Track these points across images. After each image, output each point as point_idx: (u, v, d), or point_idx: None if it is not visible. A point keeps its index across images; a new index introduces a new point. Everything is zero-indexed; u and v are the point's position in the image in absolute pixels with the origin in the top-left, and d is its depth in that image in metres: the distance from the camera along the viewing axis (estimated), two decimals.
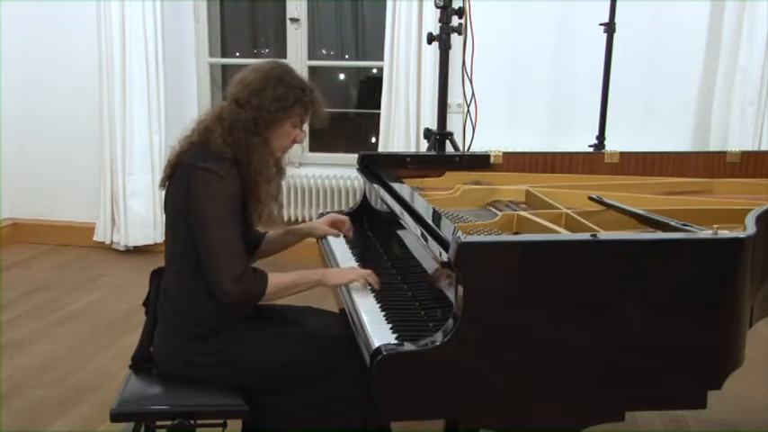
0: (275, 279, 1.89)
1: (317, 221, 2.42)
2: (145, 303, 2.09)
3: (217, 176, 1.83)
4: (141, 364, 2.01)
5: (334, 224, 2.38)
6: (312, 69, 4.95)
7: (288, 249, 2.33)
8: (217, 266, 1.82)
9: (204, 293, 1.87)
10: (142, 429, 1.96)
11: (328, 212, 2.69)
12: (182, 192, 1.87)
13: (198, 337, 1.91)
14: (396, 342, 1.60)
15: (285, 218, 4.79)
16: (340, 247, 2.39)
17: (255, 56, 5.54)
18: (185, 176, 1.87)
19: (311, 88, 1.97)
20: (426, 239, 1.71)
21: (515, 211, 2.15)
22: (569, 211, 2.05)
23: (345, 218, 2.40)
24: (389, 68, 4.42)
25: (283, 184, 2.08)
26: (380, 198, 2.26)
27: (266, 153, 1.93)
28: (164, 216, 2.01)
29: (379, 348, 1.51)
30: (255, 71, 1.95)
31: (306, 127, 2.04)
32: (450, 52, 3.56)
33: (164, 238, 2.02)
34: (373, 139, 4.85)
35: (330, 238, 2.50)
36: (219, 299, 1.84)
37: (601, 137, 3.82)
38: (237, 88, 1.93)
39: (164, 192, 1.99)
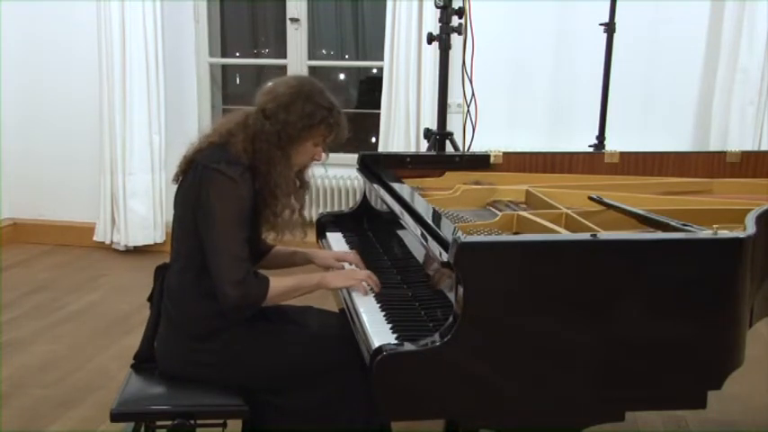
0: (276, 284, 1.88)
1: (325, 252, 2.32)
2: (149, 299, 2.09)
3: (229, 179, 1.83)
4: (143, 362, 2.01)
5: (341, 261, 2.23)
6: (312, 69, 4.95)
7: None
8: (219, 270, 1.82)
9: (206, 294, 1.87)
10: (142, 429, 1.95)
11: (328, 212, 2.70)
12: (193, 190, 1.88)
13: (198, 337, 1.91)
14: (396, 342, 1.60)
15: None
16: (340, 248, 2.39)
17: (255, 56, 5.54)
18: (198, 175, 1.87)
19: (339, 110, 1.96)
20: (426, 239, 1.71)
21: (515, 211, 2.15)
22: (569, 211, 2.05)
23: (353, 258, 2.20)
24: (389, 68, 4.42)
25: (306, 198, 2.09)
26: (380, 198, 2.26)
27: (286, 168, 1.93)
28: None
29: (379, 348, 1.51)
30: (286, 84, 1.94)
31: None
32: (451, 52, 3.56)
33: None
34: (373, 139, 4.85)
35: (330, 237, 2.51)
36: (221, 303, 1.84)
37: (601, 137, 3.82)
38: (266, 99, 1.93)
39: (175, 187, 1.99)
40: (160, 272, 2.06)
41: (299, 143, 1.93)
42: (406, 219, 1.91)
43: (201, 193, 1.84)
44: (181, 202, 1.95)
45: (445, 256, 1.54)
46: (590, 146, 3.80)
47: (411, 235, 1.88)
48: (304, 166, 2.04)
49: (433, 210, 1.90)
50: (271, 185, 1.90)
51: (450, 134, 3.70)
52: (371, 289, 1.94)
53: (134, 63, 4.56)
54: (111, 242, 4.81)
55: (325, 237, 2.54)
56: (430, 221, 1.77)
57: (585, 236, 1.72)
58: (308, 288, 1.97)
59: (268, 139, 1.89)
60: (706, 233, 1.66)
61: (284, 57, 4.87)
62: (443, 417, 1.84)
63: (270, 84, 1.97)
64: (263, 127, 1.89)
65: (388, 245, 2.29)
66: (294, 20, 4.79)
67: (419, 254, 1.90)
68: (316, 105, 1.91)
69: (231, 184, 1.83)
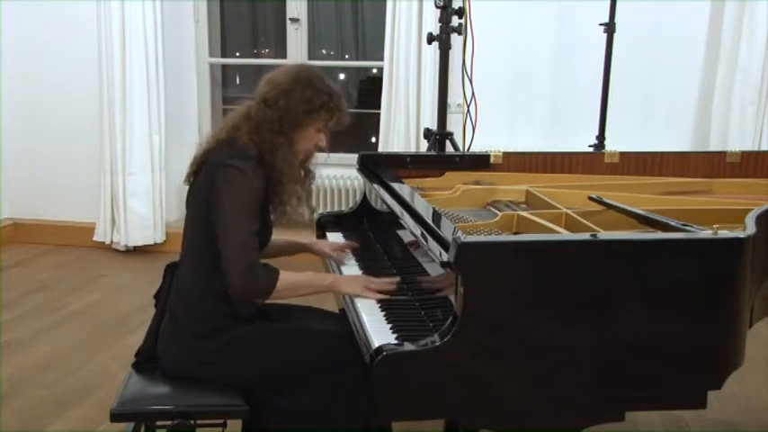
0: (286, 277, 1.89)
1: (322, 242, 2.43)
2: (156, 295, 2.09)
3: (240, 172, 1.84)
4: (145, 362, 2.01)
5: (336, 251, 2.33)
6: None
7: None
8: (227, 258, 1.83)
9: (216, 294, 1.88)
10: (142, 429, 1.95)
11: (328, 212, 2.70)
12: (206, 189, 1.89)
13: (200, 336, 1.91)
14: (396, 342, 1.60)
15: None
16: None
17: (255, 56, 5.54)
18: (211, 174, 1.88)
19: (339, 95, 1.98)
20: (426, 239, 1.71)
21: (515, 211, 2.15)
22: (569, 211, 2.05)
23: (349, 245, 2.36)
24: (389, 68, 4.42)
25: (313, 187, 2.11)
26: (380, 198, 2.26)
27: (290, 154, 1.94)
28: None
29: (379, 348, 1.51)
30: (285, 73, 1.97)
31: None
32: (451, 52, 3.56)
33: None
34: (373, 139, 4.85)
35: (330, 237, 2.51)
36: (228, 292, 1.84)
37: (601, 137, 3.82)
38: (266, 88, 1.95)
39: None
40: (170, 269, 2.07)
41: (302, 129, 1.95)
42: (406, 219, 1.91)
43: (214, 188, 1.85)
44: (193, 201, 1.96)
45: (445, 256, 1.54)
46: (590, 146, 3.80)
47: (411, 235, 1.88)
48: (307, 154, 2.04)
49: (433, 210, 1.90)
50: (277, 172, 1.91)
51: (450, 134, 3.70)
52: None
53: (134, 63, 4.56)
54: (111, 242, 4.81)
55: (325, 237, 2.54)
56: (430, 221, 1.77)
57: (585, 236, 1.72)
58: (320, 287, 1.97)
59: (271, 126, 1.91)
60: (706, 233, 1.66)
61: (284, 57, 4.88)
62: (443, 417, 1.84)
63: (269, 74, 2.00)
64: (266, 115, 1.92)
65: (388, 245, 2.29)
66: (294, 20, 4.79)
67: (419, 254, 1.90)
68: (315, 90, 1.93)
69: (243, 177, 1.84)
